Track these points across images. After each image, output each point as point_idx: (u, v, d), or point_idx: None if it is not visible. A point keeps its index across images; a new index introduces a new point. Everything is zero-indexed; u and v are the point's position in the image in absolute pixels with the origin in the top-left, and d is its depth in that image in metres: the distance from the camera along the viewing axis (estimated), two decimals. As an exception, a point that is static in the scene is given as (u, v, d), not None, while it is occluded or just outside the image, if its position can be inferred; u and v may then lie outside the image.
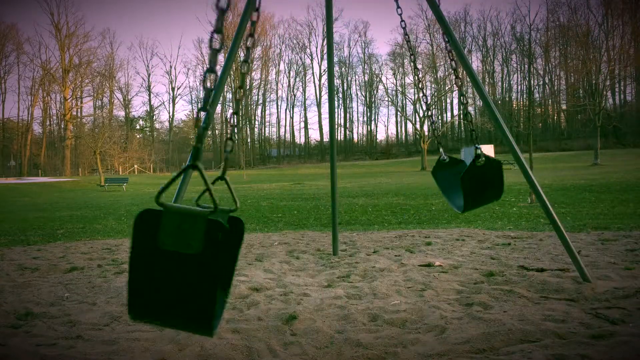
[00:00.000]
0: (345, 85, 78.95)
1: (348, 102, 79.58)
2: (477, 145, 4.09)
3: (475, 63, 71.02)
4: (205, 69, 1.69)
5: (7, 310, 3.53)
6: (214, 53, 1.70)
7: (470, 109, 70.73)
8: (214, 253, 1.46)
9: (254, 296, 3.79)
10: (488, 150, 47.40)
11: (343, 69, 77.88)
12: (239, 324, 3.11)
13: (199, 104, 1.79)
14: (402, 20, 4.61)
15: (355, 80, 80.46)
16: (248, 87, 77.22)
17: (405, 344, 2.69)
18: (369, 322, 3.12)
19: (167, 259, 1.48)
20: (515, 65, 72.17)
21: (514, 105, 69.02)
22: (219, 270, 1.49)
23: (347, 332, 2.91)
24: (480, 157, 4.01)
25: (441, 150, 4.68)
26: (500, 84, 73.35)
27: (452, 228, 7.73)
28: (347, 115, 79.50)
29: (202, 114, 1.73)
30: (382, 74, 73.68)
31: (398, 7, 4.60)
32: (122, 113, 76.78)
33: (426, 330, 2.91)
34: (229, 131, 2.51)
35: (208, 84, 1.69)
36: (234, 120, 2.54)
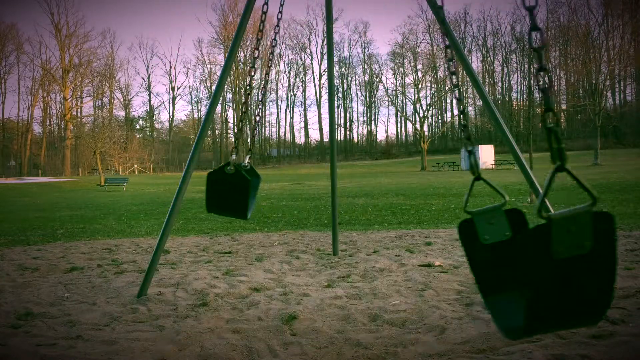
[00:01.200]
0: (345, 85, 78.92)
1: (348, 102, 79.57)
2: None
3: (475, 63, 70.98)
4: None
5: (7, 310, 3.54)
6: None
7: (470, 109, 70.74)
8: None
9: (254, 296, 3.79)
10: (488, 150, 47.09)
11: (343, 69, 77.81)
12: (239, 324, 3.12)
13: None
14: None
15: (355, 80, 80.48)
16: (248, 86, 77.14)
17: (405, 344, 2.69)
18: (369, 322, 3.12)
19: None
20: (515, 65, 72.12)
21: (514, 105, 68.93)
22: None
23: (347, 332, 2.91)
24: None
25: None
26: (500, 84, 73.36)
27: (452, 228, 7.72)
28: (347, 115, 79.51)
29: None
30: (382, 74, 73.77)
31: None
32: (122, 113, 76.77)
33: (426, 330, 2.91)
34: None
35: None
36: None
